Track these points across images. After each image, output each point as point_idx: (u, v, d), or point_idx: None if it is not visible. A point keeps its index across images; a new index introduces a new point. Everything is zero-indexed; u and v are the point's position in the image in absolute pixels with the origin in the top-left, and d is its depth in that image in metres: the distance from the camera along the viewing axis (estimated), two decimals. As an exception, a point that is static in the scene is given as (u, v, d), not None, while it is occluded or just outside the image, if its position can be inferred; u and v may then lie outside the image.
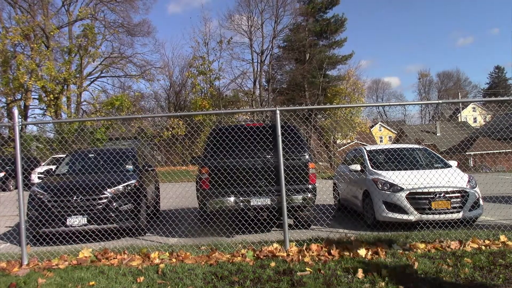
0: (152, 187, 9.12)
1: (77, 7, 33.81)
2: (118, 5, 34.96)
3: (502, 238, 5.73)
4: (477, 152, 29.82)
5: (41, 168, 15.66)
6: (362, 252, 5.28)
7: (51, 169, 8.42)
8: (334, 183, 10.08)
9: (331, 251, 5.42)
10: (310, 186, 7.06)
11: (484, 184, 7.05)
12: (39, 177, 14.79)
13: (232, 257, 5.40)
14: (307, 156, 7.16)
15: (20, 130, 5.60)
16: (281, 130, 5.88)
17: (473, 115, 57.30)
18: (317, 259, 5.23)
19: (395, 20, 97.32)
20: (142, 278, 4.68)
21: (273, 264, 5.01)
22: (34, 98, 32.08)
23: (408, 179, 7.00)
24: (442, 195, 6.96)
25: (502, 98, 6.48)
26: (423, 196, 6.95)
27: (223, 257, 5.39)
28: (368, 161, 8.21)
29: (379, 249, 5.38)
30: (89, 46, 31.11)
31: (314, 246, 5.64)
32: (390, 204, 7.05)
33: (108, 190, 7.09)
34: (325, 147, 40.57)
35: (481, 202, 7.23)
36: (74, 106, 32.89)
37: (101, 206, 6.95)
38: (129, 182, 7.42)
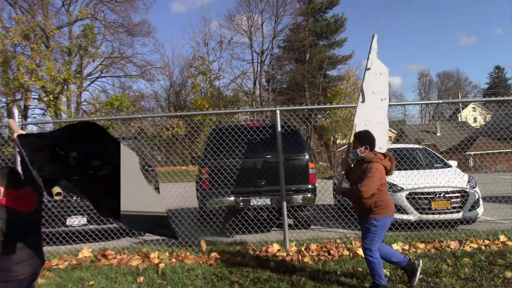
0: (152, 187, 9.11)
1: (77, 7, 33.74)
2: (118, 5, 34.85)
3: (502, 238, 5.74)
4: (477, 152, 29.79)
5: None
6: (361, 252, 5.28)
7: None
8: (334, 183, 10.07)
9: (331, 251, 5.43)
10: (310, 186, 7.05)
11: (484, 184, 7.04)
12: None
13: (232, 257, 5.41)
14: (307, 156, 7.16)
15: (20, 130, 5.59)
16: (281, 130, 5.88)
17: (473, 115, 57.19)
18: (317, 259, 5.23)
19: (396, 20, 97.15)
20: (142, 278, 4.69)
21: (273, 264, 5.01)
22: (34, 98, 32.04)
23: (408, 179, 6.99)
24: (442, 195, 6.97)
25: (502, 98, 6.50)
26: (423, 196, 6.95)
27: (223, 257, 5.39)
28: (368, 161, 8.20)
29: (379, 249, 5.38)
30: (89, 46, 31.06)
31: (314, 246, 5.64)
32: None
33: (108, 190, 7.08)
34: (325, 147, 40.57)
35: (481, 202, 7.23)
36: (74, 106, 32.88)
37: (101, 206, 6.95)
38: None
